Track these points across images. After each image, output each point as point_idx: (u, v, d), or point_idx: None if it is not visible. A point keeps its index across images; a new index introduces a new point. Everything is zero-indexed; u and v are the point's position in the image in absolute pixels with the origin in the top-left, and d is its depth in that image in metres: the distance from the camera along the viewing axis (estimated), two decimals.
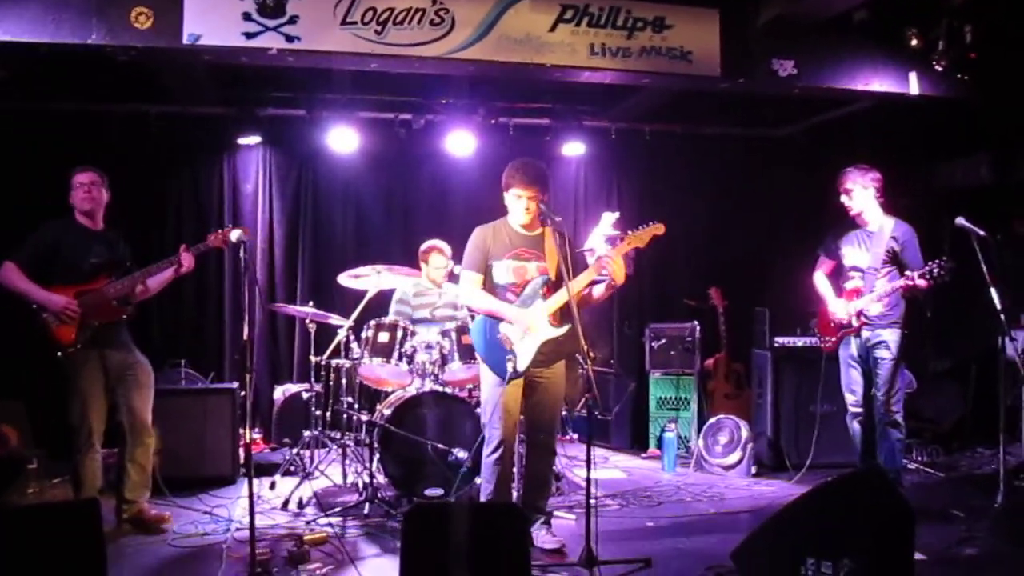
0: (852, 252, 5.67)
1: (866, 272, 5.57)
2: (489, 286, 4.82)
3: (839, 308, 5.67)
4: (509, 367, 4.60)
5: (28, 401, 6.39)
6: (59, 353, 4.97)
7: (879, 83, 6.56)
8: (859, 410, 5.67)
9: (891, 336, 5.48)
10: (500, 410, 4.69)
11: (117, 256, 5.27)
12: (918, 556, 4.30)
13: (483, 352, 4.82)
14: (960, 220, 5.39)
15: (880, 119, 7.71)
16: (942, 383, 8.17)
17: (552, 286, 4.76)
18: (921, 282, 5.30)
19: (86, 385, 5.05)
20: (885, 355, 5.47)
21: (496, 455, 4.74)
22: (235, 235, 4.48)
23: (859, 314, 5.55)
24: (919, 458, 6.96)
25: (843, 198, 5.63)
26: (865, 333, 5.57)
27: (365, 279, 6.31)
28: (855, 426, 5.72)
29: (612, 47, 6.09)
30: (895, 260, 5.50)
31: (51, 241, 5.12)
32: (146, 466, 5.27)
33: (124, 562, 4.60)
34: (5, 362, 6.80)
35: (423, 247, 6.74)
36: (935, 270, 5.24)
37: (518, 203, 4.78)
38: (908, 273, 5.37)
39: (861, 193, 5.57)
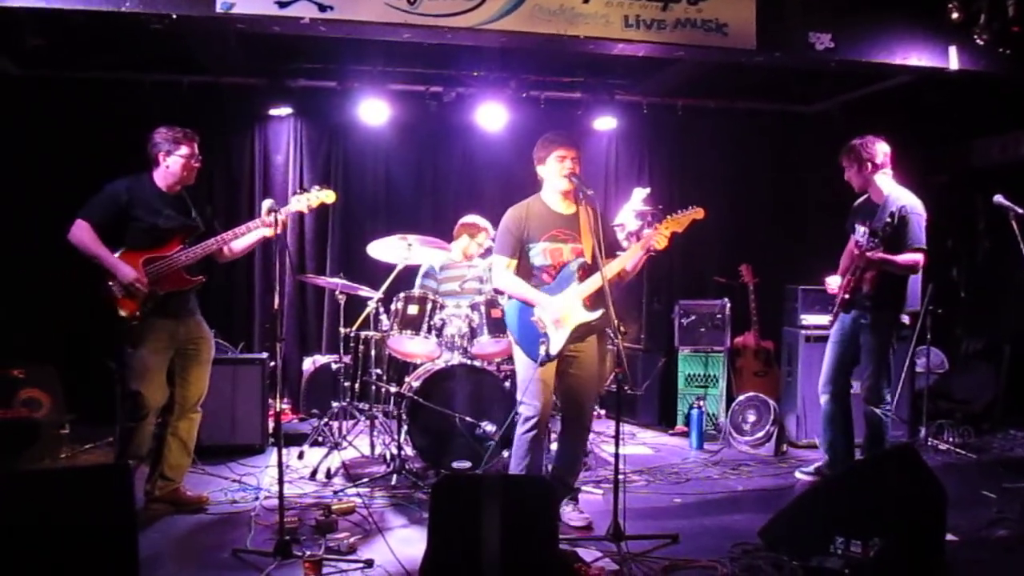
0: (860, 227, 5.51)
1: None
2: (524, 267, 4.76)
3: (833, 284, 5.63)
4: (542, 350, 4.55)
5: (61, 366, 6.46)
6: (122, 324, 4.77)
7: (917, 57, 6.42)
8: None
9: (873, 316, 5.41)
10: (536, 386, 4.62)
11: (190, 220, 4.97)
12: (949, 537, 4.28)
13: (517, 334, 4.76)
14: (998, 198, 5.31)
15: (917, 95, 7.58)
16: (974, 364, 8.10)
17: (587, 268, 4.67)
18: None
19: (149, 355, 4.83)
20: (866, 337, 5.41)
21: (531, 431, 4.68)
22: (266, 205, 4.46)
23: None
24: (950, 439, 6.89)
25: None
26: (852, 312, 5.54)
27: (395, 252, 6.30)
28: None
29: (647, 19, 5.99)
30: (892, 236, 5.25)
31: (125, 202, 4.79)
32: (188, 443, 5.10)
33: (153, 528, 4.67)
34: (39, 326, 6.88)
35: (467, 220, 6.68)
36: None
37: (561, 166, 4.67)
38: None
39: (860, 165, 5.50)
